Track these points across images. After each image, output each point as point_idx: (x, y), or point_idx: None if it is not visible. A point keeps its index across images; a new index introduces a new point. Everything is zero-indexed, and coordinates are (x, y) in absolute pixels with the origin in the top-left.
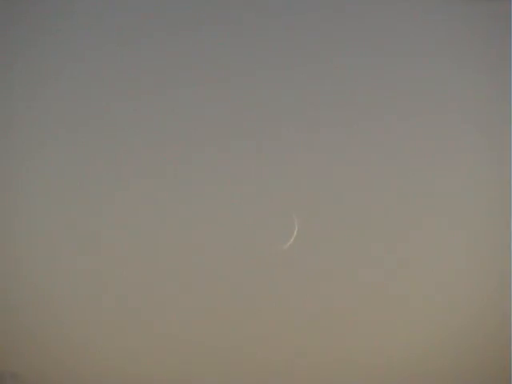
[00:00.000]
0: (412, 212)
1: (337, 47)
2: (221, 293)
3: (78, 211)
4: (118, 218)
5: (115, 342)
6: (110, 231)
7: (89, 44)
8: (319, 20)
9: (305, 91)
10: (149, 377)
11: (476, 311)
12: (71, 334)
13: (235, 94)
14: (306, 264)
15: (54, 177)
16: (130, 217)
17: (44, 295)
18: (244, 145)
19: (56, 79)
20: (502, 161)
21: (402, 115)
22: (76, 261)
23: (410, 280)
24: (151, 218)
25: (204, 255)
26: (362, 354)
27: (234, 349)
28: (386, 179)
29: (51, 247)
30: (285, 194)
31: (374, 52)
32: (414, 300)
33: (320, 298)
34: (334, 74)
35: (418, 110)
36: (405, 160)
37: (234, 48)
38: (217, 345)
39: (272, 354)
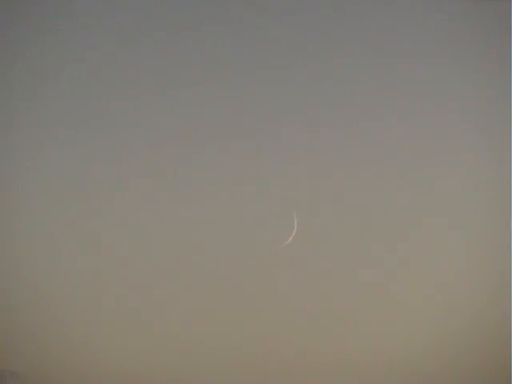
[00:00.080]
0: (412, 212)
1: (337, 47)
2: (221, 293)
3: (78, 211)
4: (118, 217)
5: (115, 342)
6: (109, 231)
7: (89, 44)
8: (319, 20)
9: (305, 91)
10: (149, 377)
11: (476, 311)
12: (71, 333)
13: (235, 93)
14: (306, 264)
15: (53, 177)
16: (130, 217)
17: (44, 295)
18: (244, 145)
19: (56, 79)
20: (502, 161)
21: (402, 115)
22: (76, 261)
23: (410, 280)
24: (151, 218)
25: (204, 255)
26: (362, 353)
27: (234, 349)
28: (385, 179)
29: (51, 247)
30: (284, 194)
31: (374, 52)
32: (414, 300)
33: (320, 297)
34: (333, 74)
35: (417, 110)
36: (405, 160)
37: (234, 48)
38: (217, 345)
39: (272, 354)
